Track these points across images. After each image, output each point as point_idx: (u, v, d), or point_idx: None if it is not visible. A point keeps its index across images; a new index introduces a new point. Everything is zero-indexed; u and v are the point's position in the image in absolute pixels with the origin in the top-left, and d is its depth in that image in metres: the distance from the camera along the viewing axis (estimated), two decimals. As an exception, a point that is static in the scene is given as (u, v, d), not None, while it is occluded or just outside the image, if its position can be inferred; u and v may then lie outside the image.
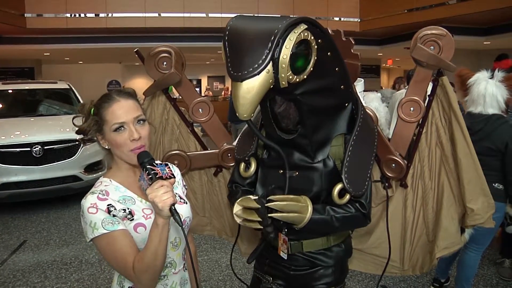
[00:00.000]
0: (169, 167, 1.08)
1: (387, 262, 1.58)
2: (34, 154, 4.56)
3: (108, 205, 1.12)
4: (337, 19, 9.83)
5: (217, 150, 1.71)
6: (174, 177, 1.07)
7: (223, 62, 1.05)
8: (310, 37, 1.03)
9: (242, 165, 1.42)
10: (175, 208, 1.02)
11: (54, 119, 5.42)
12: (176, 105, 1.70)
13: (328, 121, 1.26)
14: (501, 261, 3.19)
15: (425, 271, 1.65)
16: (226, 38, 1.03)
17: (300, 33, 1.00)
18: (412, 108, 1.52)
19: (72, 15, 8.92)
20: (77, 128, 1.22)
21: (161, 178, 1.03)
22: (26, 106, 5.97)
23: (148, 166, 1.05)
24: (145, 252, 1.07)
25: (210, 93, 15.52)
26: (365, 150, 1.31)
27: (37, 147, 4.57)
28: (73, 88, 6.11)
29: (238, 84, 0.99)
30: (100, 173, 4.87)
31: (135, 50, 1.63)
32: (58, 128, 4.91)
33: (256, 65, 0.97)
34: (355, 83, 1.51)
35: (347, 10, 9.94)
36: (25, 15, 8.68)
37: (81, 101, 4.77)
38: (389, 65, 15.90)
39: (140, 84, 13.65)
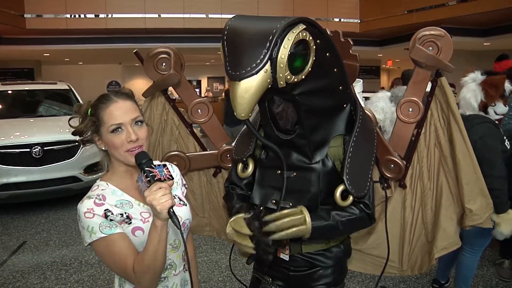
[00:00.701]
0: (167, 168, 1.07)
1: (385, 262, 1.58)
2: (33, 155, 4.56)
3: (105, 210, 1.11)
4: (337, 20, 9.85)
5: (216, 151, 1.71)
6: (173, 179, 1.06)
7: (223, 63, 1.05)
8: (309, 37, 1.03)
9: (240, 166, 1.42)
10: (173, 211, 1.01)
11: (53, 120, 5.41)
12: (175, 106, 1.70)
13: (326, 122, 1.26)
14: (500, 261, 3.19)
15: (424, 271, 1.65)
16: (225, 38, 1.03)
17: (299, 33, 1.00)
18: (410, 109, 1.52)
19: (72, 16, 8.93)
20: (74, 129, 1.21)
21: (159, 180, 1.02)
22: (25, 107, 5.96)
23: (146, 168, 1.04)
24: (145, 253, 1.06)
25: (210, 94, 15.52)
26: (366, 151, 1.31)
27: (37, 148, 4.57)
28: (73, 89, 6.11)
29: (236, 83, 0.99)
30: (100, 174, 4.86)
31: (134, 51, 1.63)
32: (58, 129, 4.90)
33: (254, 65, 0.97)
34: (353, 84, 1.51)
35: (347, 11, 9.95)
36: (25, 15, 8.70)
37: (81, 102, 4.76)
38: (389, 66, 15.91)
39: (140, 85, 13.64)
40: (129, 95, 1.21)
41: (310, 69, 1.07)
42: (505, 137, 2.33)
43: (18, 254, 3.65)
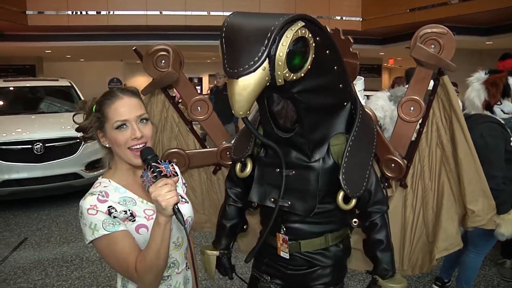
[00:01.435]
0: (172, 165, 1.06)
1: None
2: (35, 152, 4.57)
3: (108, 206, 1.09)
4: (338, 18, 9.83)
5: (215, 148, 1.71)
6: (178, 175, 1.06)
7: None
8: (308, 35, 1.02)
9: (238, 165, 1.41)
10: (178, 208, 1.00)
11: (55, 116, 5.42)
12: (175, 103, 1.70)
13: (326, 120, 1.25)
14: (502, 261, 3.18)
15: (424, 271, 1.64)
16: (223, 35, 1.02)
17: (297, 30, 0.99)
18: (412, 108, 1.50)
19: (74, 13, 8.94)
20: (77, 126, 1.19)
21: (165, 176, 1.02)
22: (27, 103, 5.97)
23: (153, 164, 1.03)
24: (148, 251, 1.05)
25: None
26: (364, 150, 1.30)
27: (38, 144, 4.57)
28: (74, 86, 6.12)
29: (234, 81, 0.98)
30: (101, 171, 4.87)
31: (133, 48, 1.63)
32: (59, 125, 4.91)
33: (252, 62, 0.96)
34: (354, 82, 1.50)
35: (349, 9, 9.93)
36: (27, 12, 8.71)
37: (83, 99, 4.76)
38: (391, 64, 15.85)
39: (142, 82, 13.63)
40: (135, 93, 1.20)
41: (309, 67, 1.05)
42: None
43: (20, 251, 3.66)
